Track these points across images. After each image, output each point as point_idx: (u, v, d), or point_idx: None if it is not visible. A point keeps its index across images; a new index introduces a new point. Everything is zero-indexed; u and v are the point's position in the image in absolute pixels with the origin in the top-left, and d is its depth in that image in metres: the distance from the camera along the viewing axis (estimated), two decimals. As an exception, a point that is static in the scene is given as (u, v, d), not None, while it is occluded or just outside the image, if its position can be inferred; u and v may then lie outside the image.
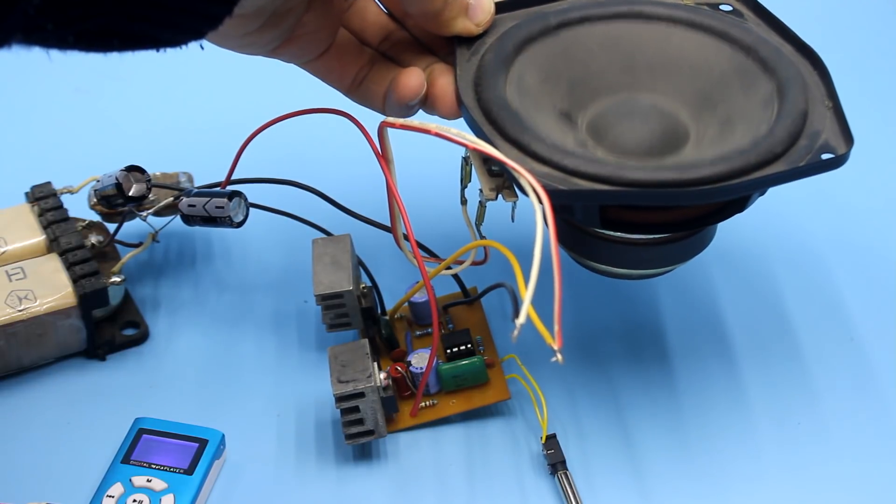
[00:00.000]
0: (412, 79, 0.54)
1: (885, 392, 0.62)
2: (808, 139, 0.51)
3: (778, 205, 0.70)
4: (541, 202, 0.46)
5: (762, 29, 0.57)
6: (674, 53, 0.56)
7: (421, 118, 0.54)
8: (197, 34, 0.45)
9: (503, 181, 0.54)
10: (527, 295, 0.44)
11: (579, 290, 0.68)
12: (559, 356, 0.45)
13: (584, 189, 0.49)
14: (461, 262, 0.59)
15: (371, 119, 0.56)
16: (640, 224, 0.53)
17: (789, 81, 0.53)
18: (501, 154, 0.49)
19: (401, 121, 0.52)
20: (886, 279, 0.68)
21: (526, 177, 0.47)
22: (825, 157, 0.50)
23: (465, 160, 0.59)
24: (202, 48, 0.48)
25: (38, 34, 0.39)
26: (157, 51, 0.45)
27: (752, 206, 0.55)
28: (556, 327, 0.44)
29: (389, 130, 0.54)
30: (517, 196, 0.53)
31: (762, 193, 0.54)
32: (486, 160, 0.55)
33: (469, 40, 0.56)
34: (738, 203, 0.54)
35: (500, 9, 0.57)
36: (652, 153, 0.54)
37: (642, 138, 0.55)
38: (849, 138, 0.51)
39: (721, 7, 0.58)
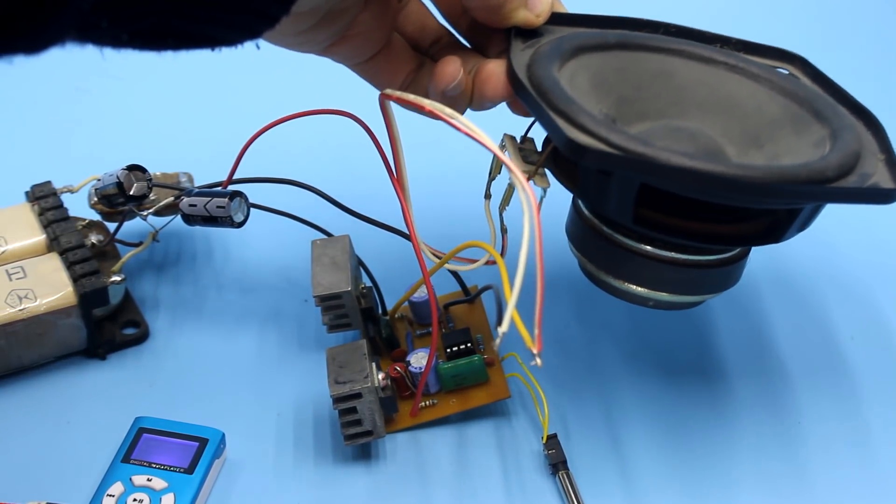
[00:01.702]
0: (448, 66, 0.53)
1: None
2: (859, 177, 0.49)
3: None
4: (528, 201, 0.45)
5: (819, 91, 0.56)
6: (725, 96, 0.55)
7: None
8: (253, 34, 0.44)
9: (536, 168, 0.53)
10: (510, 301, 0.44)
11: (581, 289, 0.68)
12: (538, 360, 0.45)
13: (632, 152, 0.47)
14: (474, 262, 0.58)
15: (375, 119, 0.56)
16: (671, 228, 0.51)
17: (843, 129, 0.52)
18: (494, 146, 0.48)
19: (398, 93, 0.51)
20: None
21: (516, 174, 0.46)
22: (876, 187, 0.49)
23: (499, 147, 0.56)
24: (258, 48, 0.47)
25: (92, 32, 0.39)
26: (213, 50, 0.44)
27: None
28: (536, 331, 0.44)
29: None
30: (549, 183, 0.52)
31: (803, 228, 0.53)
32: (521, 149, 0.54)
33: (525, 34, 0.55)
34: (774, 230, 0.52)
35: (558, 21, 0.56)
36: None
37: (688, 151, 0.52)
38: None
39: (778, 70, 0.57)
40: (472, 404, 0.60)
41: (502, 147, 0.56)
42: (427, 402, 0.60)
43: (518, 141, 0.55)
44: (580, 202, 0.56)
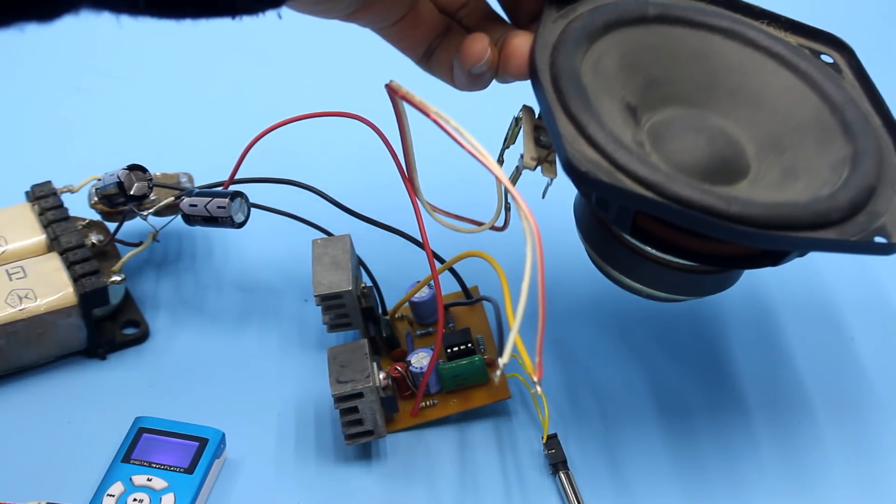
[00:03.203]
0: (476, 43, 0.51)
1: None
2: (868, 217, 0.48)
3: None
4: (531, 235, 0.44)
5: (856, 91, 0.54)
6: (758, 86, 0.54)
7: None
8: (275, 1, 0.42)
9: (547, 154, 0.52)
10: (511, 333, 0.44)
11: (582, 289, 0.68)
12: (538, 388, 0.45)
13: (626, 189, 0.46)
14: (480, 224, 0.57)
15: (380, 121, 0.56)
16: (669, 244, 0.51)
17: (867, 153, 0.50)
18: (501, 172, 0.47)
19: (405, 90, 0.49)
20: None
21: (522, 207, 0.45)
22: (878, 240, 0.47)
23: (516, 120, 0.55)
24: (280, 17, 0.46)
25: None
26: (233, 19, 0.42)
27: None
28: (538, 359, 0.44)
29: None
30: (556, 174, 0.52)
31: (802, 254, 0.52)
32: (538, 127, 0.53)
33: (561, 1, 0.53)
34: (774, 256, 0.51)
35: None
36: (705, 177, 0.51)
37: (700, 159, 0.52)
38: None
39: (822, 56, 0.56)
40: (472, 404, 0.60)
41: (518, 120, 0.54)
42: (427, 402, 0.60)
43: (536, 116, 0.54)
44: None
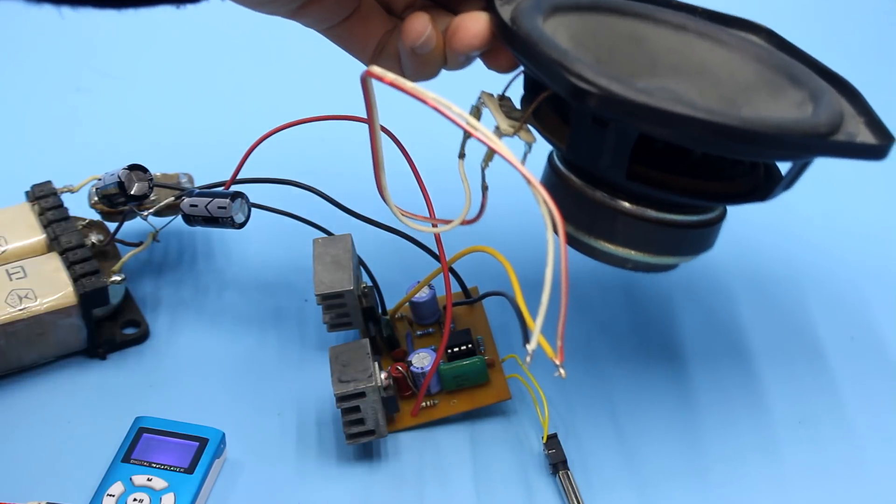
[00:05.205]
0: (416, 20, 0.51)
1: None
2: (846, 135, 0.50)
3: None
4: (555, 227, 0.44)
5: (788, 59, 0.56)
6: (698, 61, 0.55)
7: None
8: None
9: (521, 124, 0.52)
10: (537, 323, 0.44)
11: (582, 289, 0.68)
12: (562, 371, 0.45)
13: (642, 104, 0.45)
14: (449, 222, 0.55)
15: (387, 122, 0.55)
16: (664, 183, 0.51)
17: (823, 90, 0.52)
18: (505, 149, 0.45)
19: (380, 71, 0.46)
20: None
21: (539, 190, 0.44)
22: (868, 143, 0.49)
23: (476, 108, 0.55)
24: (222, 0, 0.45)
25: None
26: (177, 7, 0.42)
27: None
28: (559, 343, 0.44)
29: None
30: (535, 138, 0.52)
31: (788, 187, 0.53)
32: (502, 98, 0.53)
33: None
34: (762, 188, 0.52)
35: None
36: None
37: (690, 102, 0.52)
38: (888, 136, 0.50)
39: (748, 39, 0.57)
40: (472, 405, 0.60)
41: (481, 104, 0.55)
42: (428, 403, 0.60)
43: (496, 96, 0.54)
44: (556, 158, 0.55)
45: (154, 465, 0.56)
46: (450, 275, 0.59)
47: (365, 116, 0.58)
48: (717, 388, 0.63)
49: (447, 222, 0.54)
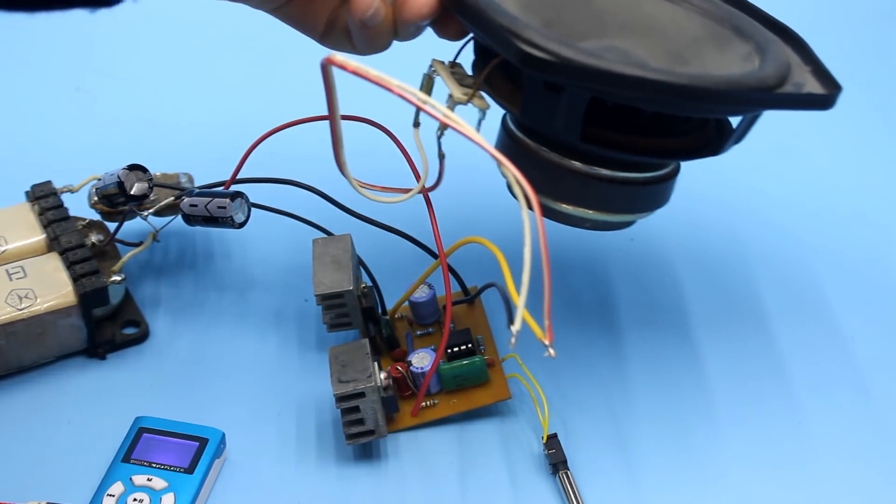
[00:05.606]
0: None
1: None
2: (794, 86, 0.50)
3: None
4: (529, 204, 0.44)
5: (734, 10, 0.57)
6: (644, 17, 0.56)
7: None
8: None
9: (474, 91, 0.52)
10: (520, 301, 0.44)
11: (582, 288, 0.68)
12: (551, 351, 0.45)
13: (592, 68, 0.46)
14: (407, 191, 0.55)
15: (394, 124, 0.55)
16: (618, 143, 0.51)
17: (769, 42, 0.53)
18: (476, 134, 0.45)
19: (342, 59, 0.45)
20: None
21: (510, 170, 0.44)
22: (815, 94, 0.50)
23: (428, 76, 0.55)
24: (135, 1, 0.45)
25: None
26: (91, 12, 0.41)
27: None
28: (546, 322, 0.44)
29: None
30: (488, 105, 0.52)
31: (738, 141, 0.54)
32: (454, 65, 0.53)
33: None
34: (714, 143, 0.53)
35: None
36: None
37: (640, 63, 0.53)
38: (835, 85, 0.51)
39: None
40: (472, 405, 0.60)
41: (433, 72, 0.55)
42: (428, 403, 0.60)
43: (447, 63, 0.54)
44: (510, 121, 0.55)
45: (154, 465, 0.56)
46: (449, 275, 0.59)
47: (365, 116, 0.59)
48: (717, 388, 0.63)
49: (406, 191, 0.54)
